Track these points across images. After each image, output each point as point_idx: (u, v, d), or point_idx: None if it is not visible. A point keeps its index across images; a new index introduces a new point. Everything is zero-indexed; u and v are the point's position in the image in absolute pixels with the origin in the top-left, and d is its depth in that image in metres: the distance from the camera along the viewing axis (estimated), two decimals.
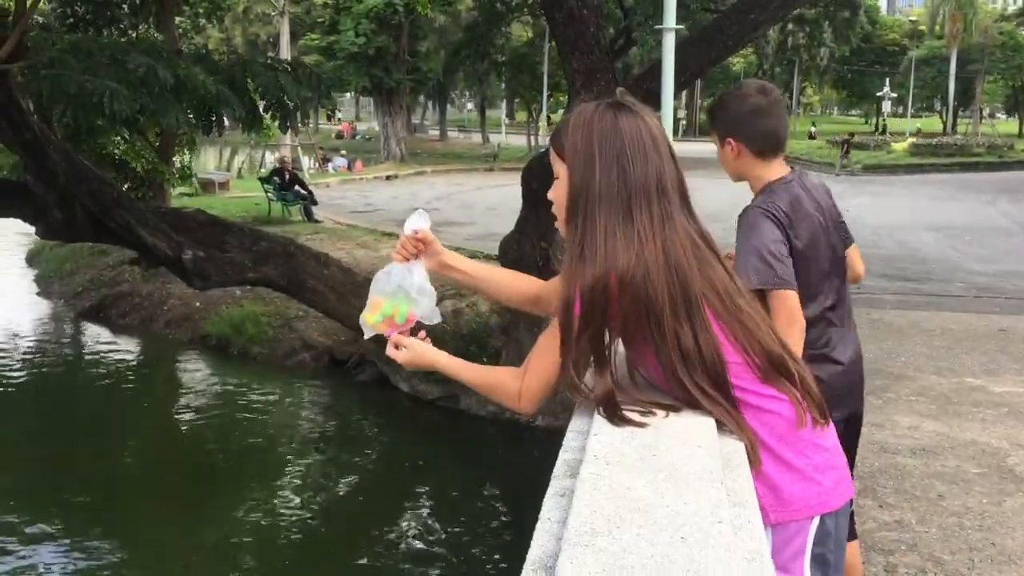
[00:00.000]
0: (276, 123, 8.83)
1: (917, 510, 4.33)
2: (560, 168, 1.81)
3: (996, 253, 15.73)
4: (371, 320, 1.96)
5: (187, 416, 11.67)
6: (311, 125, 42.99)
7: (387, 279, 1.98)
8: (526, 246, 10.27)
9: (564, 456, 1.48)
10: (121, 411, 11.73)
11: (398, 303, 1.96)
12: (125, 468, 10.10)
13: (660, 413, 1.59)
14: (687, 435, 1.50)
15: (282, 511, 8.80)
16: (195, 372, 13.50)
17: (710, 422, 1.58)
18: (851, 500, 1.93)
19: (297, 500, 9.11)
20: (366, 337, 2.01)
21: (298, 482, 9.60)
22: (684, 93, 53.85)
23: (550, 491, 1.35)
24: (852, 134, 42.83)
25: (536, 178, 10.24)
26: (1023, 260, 14.88)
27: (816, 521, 1.81)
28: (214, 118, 7.77)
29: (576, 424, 1.63)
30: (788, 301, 2.60)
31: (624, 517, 1.19)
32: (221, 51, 24.19)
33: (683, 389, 1.63)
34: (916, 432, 5.48)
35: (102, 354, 14.12)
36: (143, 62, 6.48)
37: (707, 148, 5.95)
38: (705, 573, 1.06)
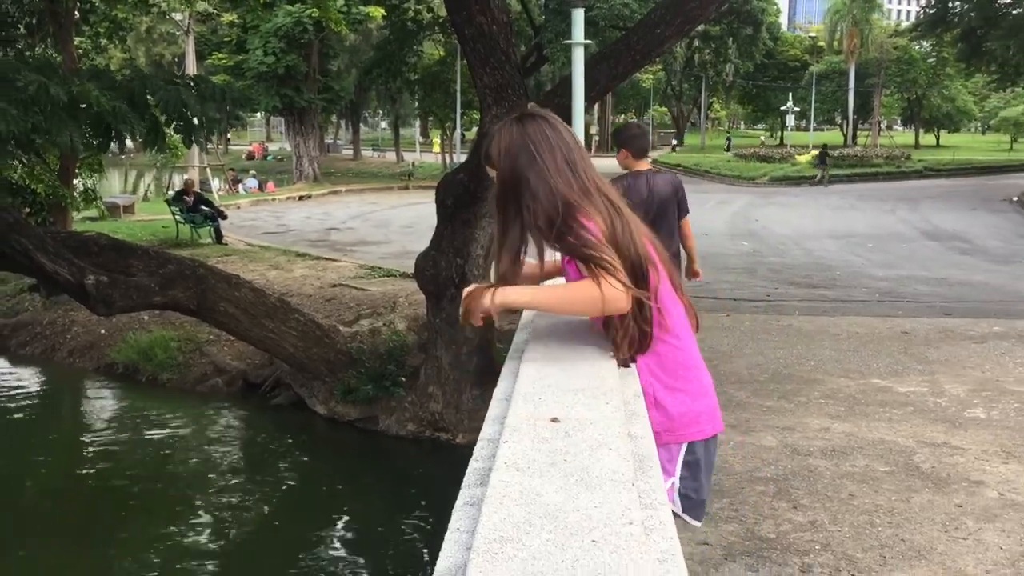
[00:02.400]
0: (179, 139, 8.57)
1: (829, 510, 4.42)
2: (493, 174, 2.29)
3: (897, 259, 16.28)
4: None
5: (94, 446, 11.26)
6: (220, 146, 42.15)
7: None
8: (441, 262, 10.22)
9: (474, 465, 1.45)
10: (22, 443, 11.26)
11: None
12: (27, 502, 9.66)
13: None
14: (598, 438, 1.49)
15: (195, 540, 8.53)
16: (102, 401, 13.04)
17: (622, 426, 1.57)
18: (717, 433, 2.41)
19: (211, 527, 8.85)
20: None
21: (212, 509, 9.33)
22: (597, 109, 54.53)
23: (459, 501, 1.31)
24: (826, 145, 43.78)
25: (451, 194, 10.22)
26: (922, 265, 15.43)
27: (693, 443, 2.31)
28: (113, 135, 7.51)
29: (487, 432, 1.60)
30: None
31: (534, 523, 1.16)
32: (124, 71, 23.55)
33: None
34: (827, 434, 5.60)
35: (0, 386, 13.55)
36: (33, 80, 6.20)
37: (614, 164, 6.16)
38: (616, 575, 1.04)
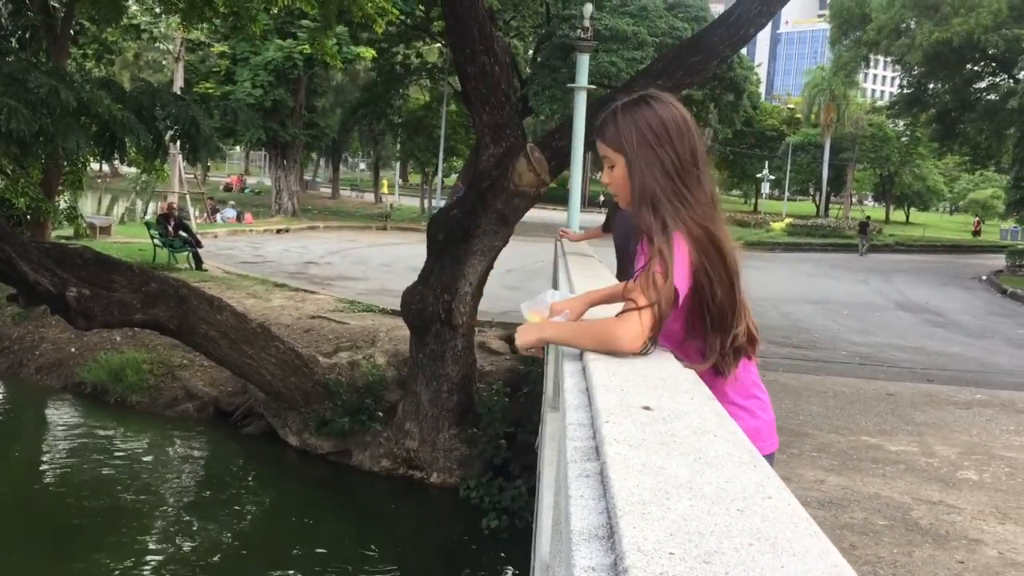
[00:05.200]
0: (185, 154, 8.47)
1: None
2: (614, 155, 2.19)
3: (873, 327, 16.43)
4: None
5: (55, 466, 10.95)
6: (198, 175, 41.94)
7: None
8: (428, 297, 10.15)
9: (573, 444, 1.39)
10: None
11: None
12: None
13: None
14: (699, 426, 1.44)
15: (152, 567, 8.27)
16: (67, 420, 12.72)
17: (717, 418, 1.52)
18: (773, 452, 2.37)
19: (171, 554, 8.59)
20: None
21: (173, 536, 9.07)
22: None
23: (572, 474, 1.25)
24: (869, 217, 45.07)
25: (442, 230, 10.19)
26: (898, 334, 15.57)
27: None
28: (117, 145, 7.40)
29: (574, 417, 1.54)
30: None
31: (669, 492, 1.11)
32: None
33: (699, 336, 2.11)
34: (822, 485, 5.56)
35: None
36: (45, 82, 6.12)
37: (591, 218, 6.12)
38: (777, 541, 0.98)
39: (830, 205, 63.76)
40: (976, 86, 38.94)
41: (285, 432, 11.38)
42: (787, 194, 64.67)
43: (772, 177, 59.86)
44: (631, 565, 0.88)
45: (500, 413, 10.28)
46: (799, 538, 1.00)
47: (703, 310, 2.09)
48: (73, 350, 13.89)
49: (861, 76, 66.31)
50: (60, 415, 12.94)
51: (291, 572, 8.66)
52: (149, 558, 8.46)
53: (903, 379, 10.09)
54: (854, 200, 66.93)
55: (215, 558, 8.79)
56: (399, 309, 11.03)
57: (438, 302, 10.12)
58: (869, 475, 5.87)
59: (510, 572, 8.68)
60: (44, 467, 10.93)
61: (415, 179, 61.75)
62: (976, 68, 38.03)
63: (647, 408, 1.52)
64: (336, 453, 10.99)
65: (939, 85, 39.62)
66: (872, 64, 67.00)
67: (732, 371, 2.16)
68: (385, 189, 57.00)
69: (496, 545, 9.04)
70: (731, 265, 2.08)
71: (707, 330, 2.12)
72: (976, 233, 58.47)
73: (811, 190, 70.44)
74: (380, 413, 10.95)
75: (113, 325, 9.84)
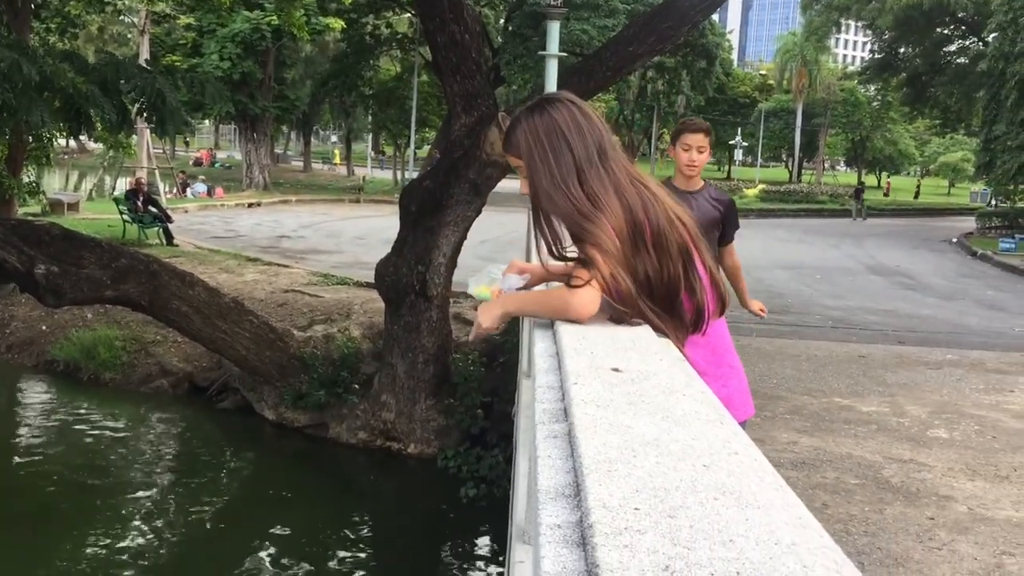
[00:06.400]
0: (153, 127, 8.35)
1: None
2: (521, 163, 2.16)
3: (845, 291, 16.57)
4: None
5: (28, 445, 10.87)
6: (166, 149, 41.42)
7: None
8: (403, 268, 10.12)
9: (542, 407, 1.39)
10: None
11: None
12: None
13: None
14: (668, 386, 1.44)
15: (130, 545, 8.25)
16: (39, 398, 12.62)
17: (686, 378, 1.52)
18: (748, 418, 2.54)
19: (147, 531, 8.56)
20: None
21: (149, 513, 9.03)
22: None
23: (540, 435, 1.25)
24: (863, 184, 46.44)
25: (415, 201, 10.14)
26: (870, 297, 15.72)
27: None
28: (81, 119, 7.27)
29: (544, 380, 1.54)
30: None
31: (636, 450, 1.11)
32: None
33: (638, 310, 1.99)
34: (795, 447, 5.62)
35: None
36: (6, 56, 5.99)
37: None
38: (742, 494, 0.99)
39: (803, 171, 64.06)
40: (946, 49, 39.17)
41: (261, 406, 11.35)
42: (760, 160, 64.82)
43: (745, 144, 59.97)
44: (596, 521, 0.88)
45: (476, 383, 10.29)
46: (764, 491, 1.01)
47: (651, 292, 2.04)
48: (44, 328, 13.76)
49: (832, 41, 66.31)
50: (32, 394, 12.84)
51: (270, 546, 8.67)
52: (126, 535, 8.44)
53: (875, 341, 10.20)
54: (826, 165, 67.23)
55: (193, 533, 8.79)
56: (373, 281, 10.99)
57: (412, 273, 10.08)
58: (841, 436, 5.95)
59: (488, 539, 8.74)
60: (17, 446, 10.85)
61: (387, 151, 61.35)
62: (946, 31, 38.23)
63: (616, 370, 1.53)
64: (313, 426, 10.98)
65: (909, 49, 39.83)
66: (843, 29, 67.04)
67: (702, 332, 2.13)
68: (337, 160, 56.91)
69: (474, 513, 9.09)
70: (657, 234, 2.02)
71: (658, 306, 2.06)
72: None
73: (784, 156, 70.72)
74: (356, 386, 10.94)
75: (83, 302, 9.73)
